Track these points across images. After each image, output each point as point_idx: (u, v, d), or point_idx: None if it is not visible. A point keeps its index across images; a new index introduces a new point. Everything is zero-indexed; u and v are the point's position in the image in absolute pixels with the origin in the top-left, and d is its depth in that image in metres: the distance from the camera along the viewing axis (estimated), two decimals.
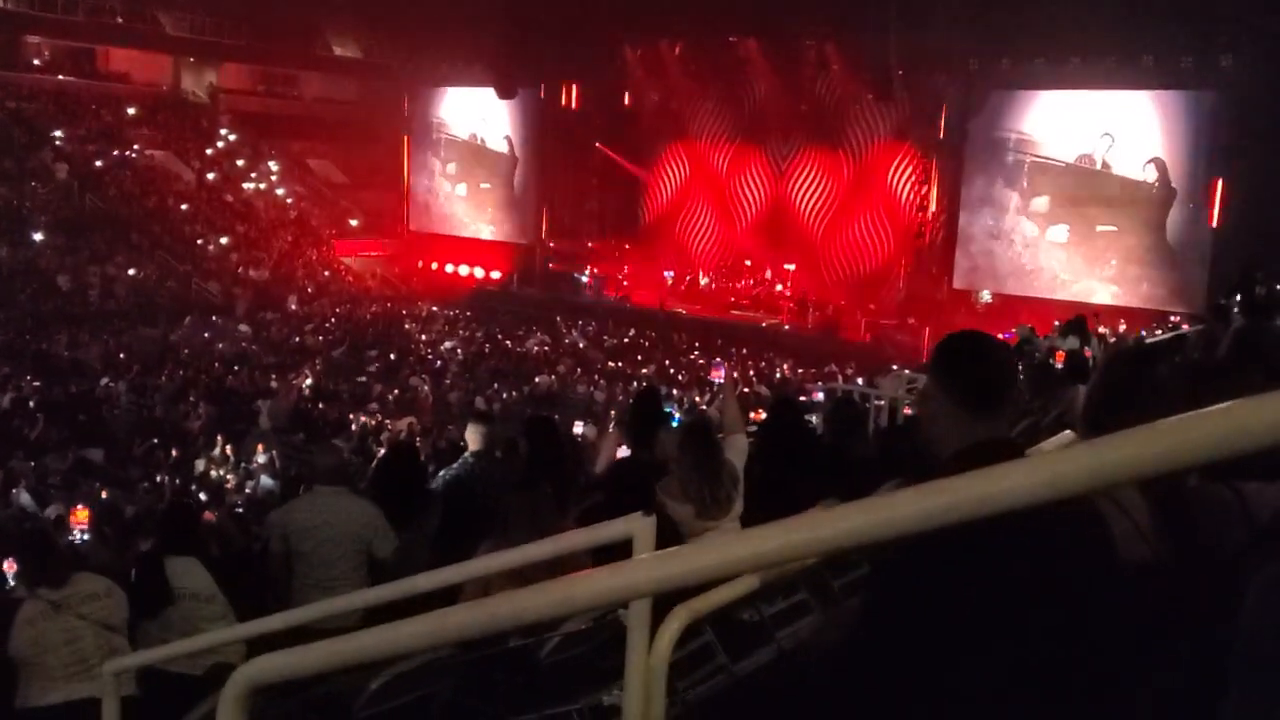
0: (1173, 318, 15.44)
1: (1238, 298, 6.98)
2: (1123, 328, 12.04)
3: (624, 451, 5.66)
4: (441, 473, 6.16)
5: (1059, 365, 8.27)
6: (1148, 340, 11.20)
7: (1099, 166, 24.37)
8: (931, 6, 23.51)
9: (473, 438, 6.14)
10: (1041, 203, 25.19)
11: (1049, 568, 1.86)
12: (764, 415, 7.42)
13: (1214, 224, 22.22)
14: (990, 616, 1.87)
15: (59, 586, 4.45)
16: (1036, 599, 1.89)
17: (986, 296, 25.85)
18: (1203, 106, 23.00)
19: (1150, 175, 23.70)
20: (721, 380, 6.16)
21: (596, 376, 21.39)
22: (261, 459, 13.50)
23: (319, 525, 4.95)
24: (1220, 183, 22.32)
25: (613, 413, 15.44)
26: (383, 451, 6.14)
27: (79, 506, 5.73)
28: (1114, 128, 24.05)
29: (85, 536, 5.42)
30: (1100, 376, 2.47)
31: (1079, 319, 12.57)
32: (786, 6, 26.29)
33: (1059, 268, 25.13)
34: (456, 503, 5.66)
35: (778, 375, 22.43)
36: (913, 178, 27.21)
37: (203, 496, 11.43)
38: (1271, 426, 0.92)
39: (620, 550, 2.27)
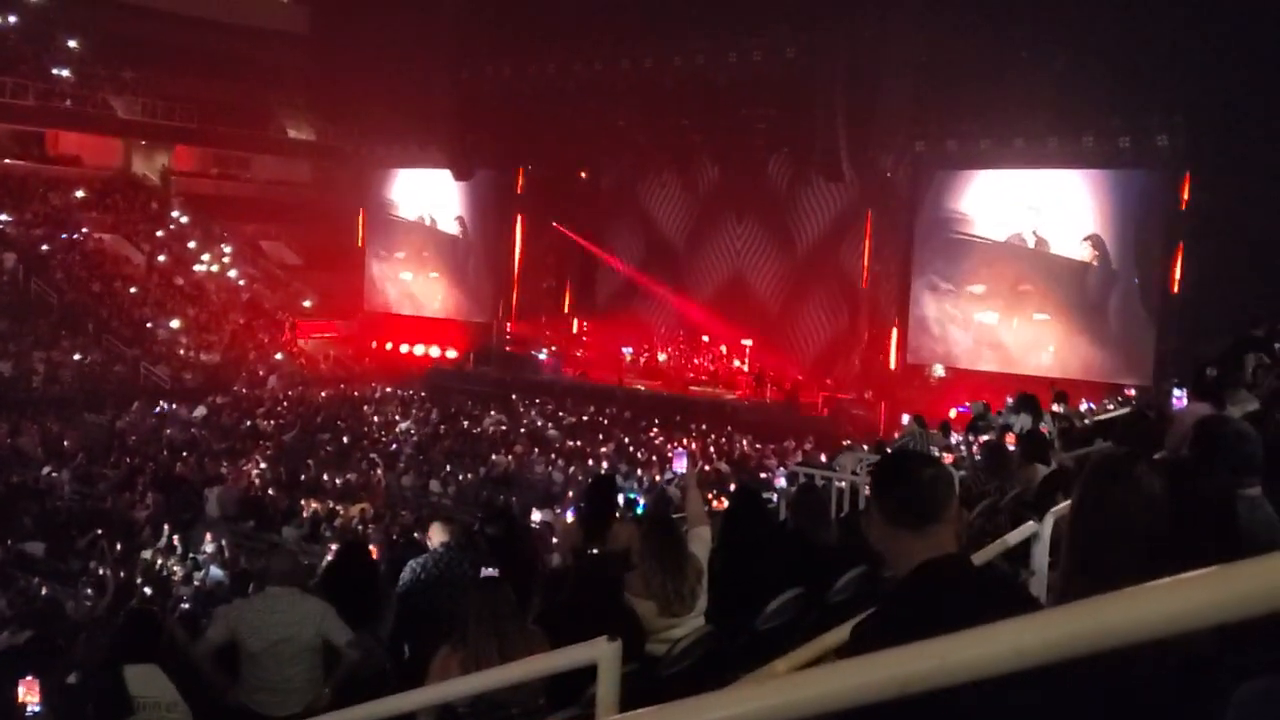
0: (1127, 390, 15.71)
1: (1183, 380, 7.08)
2: (1084, 406, 12.18)
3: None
4: (410, 563, 6.03)
5: (1011, 445, 8.30)
6: (1099, 417, 11.33)
7: (1032, 244, 24.84)
8: (878, 91, 24.12)
9: (437, 535, 6.01)
10: (979, 287, 25.63)
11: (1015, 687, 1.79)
12: (725, 502, 7.37)
13: (1174, 292, 22.57)
14: None
15: None
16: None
17: (939, 371, 26.10)
18: (1137, 185, 23.62)
19: (1085, 252, 24.18)
20: (683, 469, 6.12)
21: (554, 456, 21.22)
22: (210, 549, 13.17)
23: (272, 626, 4.85)
24: (1180, 259, 22.85)
25: (570, 494, 15.32)
26: (333, 551, 5.94)
27: (29, 678, 5.44)
28: (1051, 206, 24.55)
29: (37, 710, 5.20)
30: (1082, 496, 2.42)
31: (1029, 396, 12.72)
32: (734, 90, 26.81)
33: (994, 351, 25.51)
34: (416, 600, 5.54)
35: (737, 451, 22.42)
36: (864, 255, 27.61)
37: (147, 591, 11.08)
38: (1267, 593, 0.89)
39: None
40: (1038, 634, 0.95)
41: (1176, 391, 6.97)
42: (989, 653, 0.97)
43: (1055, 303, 24.66)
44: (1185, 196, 22.28)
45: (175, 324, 29.73)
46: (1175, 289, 22.58)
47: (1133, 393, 15.17)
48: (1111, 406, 13.27)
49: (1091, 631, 0.94)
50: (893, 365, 26.75)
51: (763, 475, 16.34)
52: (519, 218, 33.14)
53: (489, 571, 5.23)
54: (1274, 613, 0.88)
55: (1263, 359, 6.74)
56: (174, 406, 24.43)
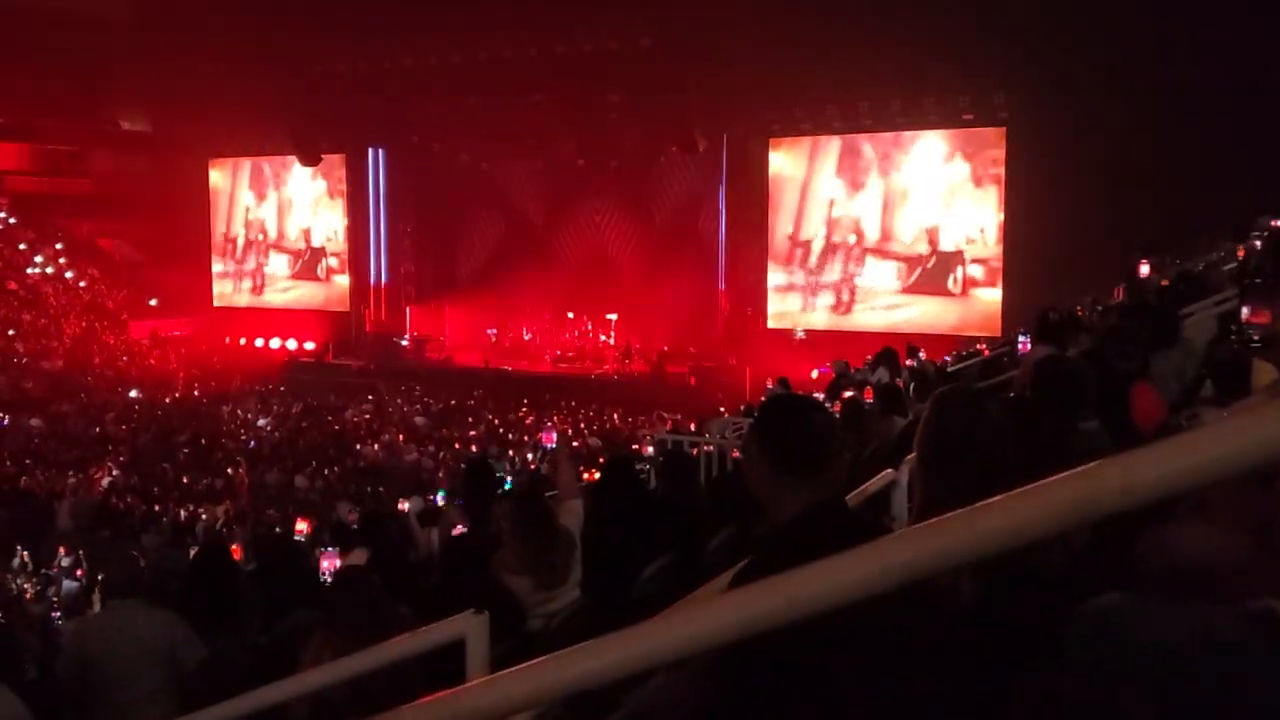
0: (979, 345, 16.35)
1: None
2: (923, 354, 12.66)
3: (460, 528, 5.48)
4: None
5: (869, 400, 8.50)
6: (950, 368, 11.76)
7: (881, 206, 25.56)
8: (729, 66, 24.30)
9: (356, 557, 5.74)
10: (834, 250, 26.26)
11: (878, 636, 1.82)
12: (597, 474, 7.39)
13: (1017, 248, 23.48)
14: (832, 688, 1.87)
15: None
16: (874, 667, 1.89)
17: (801, 333, 26.63)
18: (979, 144, 24.55)
19: (935, 211, 25.00)
20: (554, 445, 6.07)
21: (426, 443, 20.92)
22: (66, 562, 12.60)
23: (113, 643, 4.54)
24: (1002, 219, 23.89)
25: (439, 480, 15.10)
26: (194, 553, 5.63)
27: None
28: (900, 168, 25.32)
29: None
30: (934, 421, 2.53)
31: (887, 351, 13.12)
32: (583, 66, 26.63)
33: (853, 312, 26.23)
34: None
35: (608, 426, 22.50)
36: (721, 225, 27.95)
37: None
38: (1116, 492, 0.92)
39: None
40: (899, 552, 0.97)
41: (1022, 338, 7.30)
42: (856, 575, 0.97)
43: (908, 262, 25.42)
44: (1020, 153, 23.20)
45: (11, 332, 28.15)
46: (1017, 244, 23.50)
47: (984, 347, 15.76)
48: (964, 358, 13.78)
49: (952, 544, 0.96)
50: (755, 331, 27.19)
51: (634, 447, 16.44)
52: (372, 201, 32.35)
53: (354, 560, 5.11)
54: (1098, 519, 0.91)
55: (1098, 304, 7.11)
56: (5, 419, 23.15)
